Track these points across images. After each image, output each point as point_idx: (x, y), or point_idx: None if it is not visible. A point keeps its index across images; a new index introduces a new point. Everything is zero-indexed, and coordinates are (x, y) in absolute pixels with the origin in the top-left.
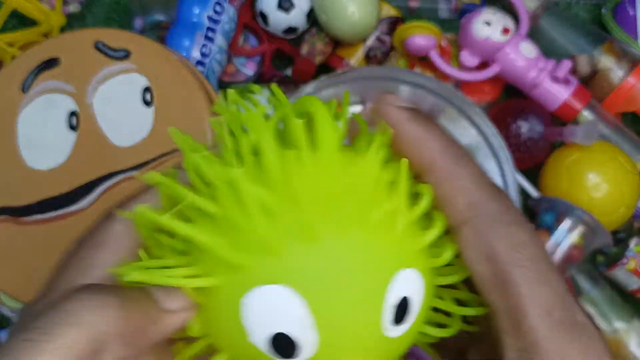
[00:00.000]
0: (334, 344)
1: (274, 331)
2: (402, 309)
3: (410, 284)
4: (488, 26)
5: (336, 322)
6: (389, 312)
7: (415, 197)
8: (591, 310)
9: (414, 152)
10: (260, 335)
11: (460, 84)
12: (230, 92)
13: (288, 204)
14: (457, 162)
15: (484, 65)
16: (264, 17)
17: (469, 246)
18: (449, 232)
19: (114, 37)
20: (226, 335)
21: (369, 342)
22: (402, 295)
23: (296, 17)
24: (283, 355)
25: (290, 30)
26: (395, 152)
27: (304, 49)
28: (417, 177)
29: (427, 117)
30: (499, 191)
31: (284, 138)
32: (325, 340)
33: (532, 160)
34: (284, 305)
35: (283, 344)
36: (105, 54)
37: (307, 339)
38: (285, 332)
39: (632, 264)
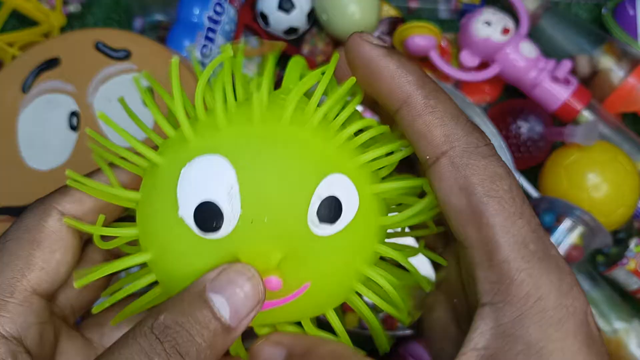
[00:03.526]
0: (255, 221)
1: (202, 199)
2: (330, 208)
3: (343, 189)
4: (488, 26)
5: (260, 198)
6: (314, 205)
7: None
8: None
9: (390, 87)
10: (189, 205)
11: (460, 84)
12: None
13: (241, 109)
14: (433, 96)
15: (483, 65)
16: (264, 17)
17: (444, 178)
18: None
19: (115, 37)
20: (158, 216)
21: (292, 230)
22: (331, 194)
23: (296, 17)
24: (205, 228)
25: (291, 30)
26: (371, 90)
27: (305, 49)
28: (394, 111)
29: (401, 54)
30: (474, 126)
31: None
32: (247, 214)
33: (532, 161)
34: (216, 173)
35: (207, 214)
36: (106, 54)
37: (230, 209)
38: (212, 199)
39: (632, 264)
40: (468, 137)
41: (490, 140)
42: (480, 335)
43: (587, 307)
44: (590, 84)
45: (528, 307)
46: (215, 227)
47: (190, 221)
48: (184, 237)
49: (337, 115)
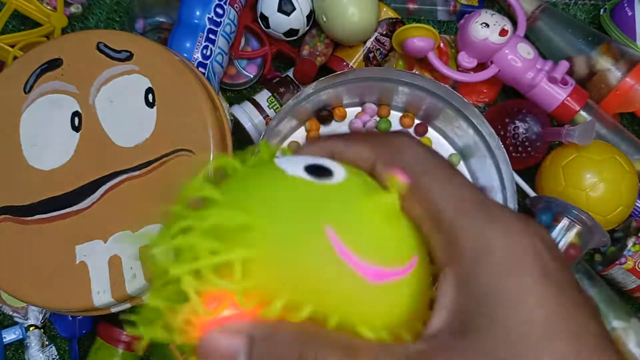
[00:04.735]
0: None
1: (309, 163)
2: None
3: None
4: (486, 28)
5: None
6: None
7: None
8: None
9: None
10: (298, 167)
11: (458, 85)
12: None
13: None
14: (348, 140)
15: (481, 66)
16: (264, 19)
17: (381, 178)
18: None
19: (117, 38)
20: (262, 183)
21: None
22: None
23: (297, 19)
24: (320, 174)
25: (291, 32)
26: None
27: (305, 51)
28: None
29: (319, 137)
30: (390, 132)
31: None
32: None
33: (529, 161)
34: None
35: (318, 168)
36: (108, 55)
37: (334, 167)
38: (318, 163)
39: (630, 263)
40: (384, 137)
41: (407, 134)
42: (444, 295)
43: (537, 242)
44: (588, 85)
45: (476, 259)
46: (330, 174)
47: (303, 174)
48: (299, 188)
49: None
